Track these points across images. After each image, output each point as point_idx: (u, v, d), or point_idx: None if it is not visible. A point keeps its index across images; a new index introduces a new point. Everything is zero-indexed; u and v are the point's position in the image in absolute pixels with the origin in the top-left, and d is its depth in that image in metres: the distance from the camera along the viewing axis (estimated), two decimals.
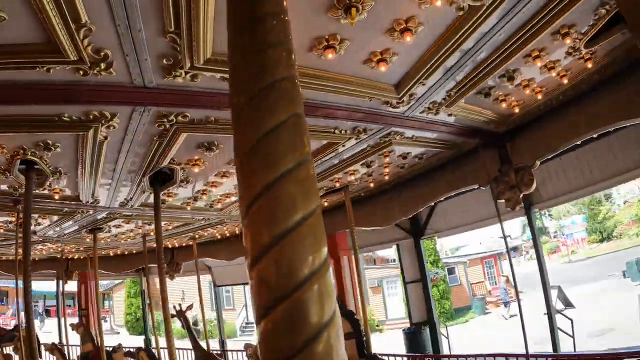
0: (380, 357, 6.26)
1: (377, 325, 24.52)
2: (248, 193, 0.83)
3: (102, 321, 9.86)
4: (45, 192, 5.12)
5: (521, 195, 5.36)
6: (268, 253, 0.79)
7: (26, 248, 4.47)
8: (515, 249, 33.18)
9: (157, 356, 8.83)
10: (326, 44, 2.77)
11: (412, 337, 10.78)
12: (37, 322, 35.62)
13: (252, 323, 28.90)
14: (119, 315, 35.73)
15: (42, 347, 9.43)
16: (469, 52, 3.22)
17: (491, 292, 27.28)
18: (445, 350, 11.34)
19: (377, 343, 6.18)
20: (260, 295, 0.80)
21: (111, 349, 10.24)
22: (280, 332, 0.77)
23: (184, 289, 33.09)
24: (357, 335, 6.17)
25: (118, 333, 33.20)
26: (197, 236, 10.37)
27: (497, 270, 30.12)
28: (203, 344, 10.14)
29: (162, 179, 4.88)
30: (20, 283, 4.94)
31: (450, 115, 4.41)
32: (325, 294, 0.80)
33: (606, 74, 4.19)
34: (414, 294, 10.87)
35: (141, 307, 18.75)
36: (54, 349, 10.05)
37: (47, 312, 41.63)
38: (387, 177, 6.44)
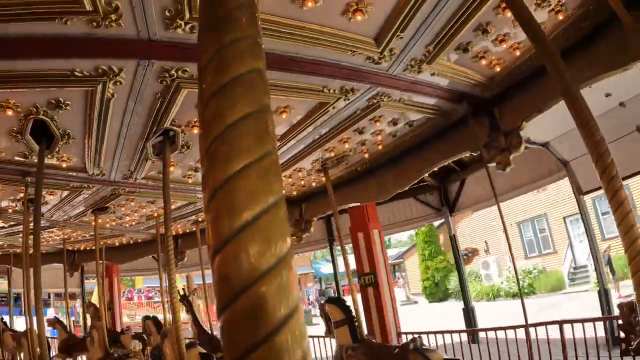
0: (374, 341, 6.59)
1: None
2: (211, 183, 0.85)
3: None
4: (54, 161, 5.45)
5: (511, 157, 5.67)
6: (228, 244, 0.80)
7: (36, 222, 4.76)
8: None
9: (163, 325, 9.15)
10: None
11: None
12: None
13: (583, 267, 22.44)
14: (414, 283, 32.61)
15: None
16: (440, 2, 3.51)
17: None
18: None
19: None
20: (220, 288, 0.81)
21: (120, 330, 10.61)
22: (241, 325, 0.78)
23: (486, 240, 27.56)
24: (350, 321, 6.49)
25: (416, 302, 29.79)
26: (199, 219, 10.67)
27: None
28: None
29: (165, 148, 5.19)
30: None
31: (433, 74, 4.71)
32: (287, 287, 0.81)
33: (581, 29, 4.39)
34: None
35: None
36: (55, 322, 10.43)
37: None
38: (380, 147, 6.74)
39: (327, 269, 43.06)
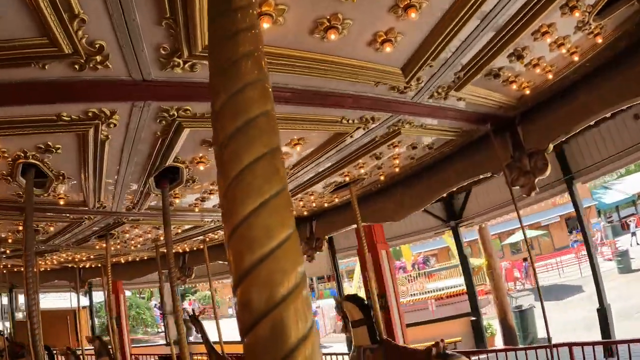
0: (392, 342, 6.21)
1: None
2: (230, 222, 0.91)
3: None
4: (50, 198, 5.06)
5: (536, 181, 5.23)
6: (248, 276, 0.86)
7: (29, 253, 4.43)
8: None
9: None
10: (328, 24, 2.65)
11: None
12: None
13: None
14: None
15: None
16: (476, 30, 3.09)
17: None
18: None
19: None
20: (242, 315, 0.88)
21: None
22: (261, 348, 0.84)
23: None
24: (369, 322, 6.15)
25: None
26: (207, 239, 10.31)
27: None
28: None
29: (168, 180, 4.81)
30: None
31: (459, 99, 4.29)
32: (302, 310, 0.86)
33: (617, 50, 4.05)
34: None
35: None
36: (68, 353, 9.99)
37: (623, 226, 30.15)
38: (397, 169, 6.32)
39: (610, 197, 31.74)
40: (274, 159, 0.96)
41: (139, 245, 9.98)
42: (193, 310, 11.92)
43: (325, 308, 24.90)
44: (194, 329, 10.78)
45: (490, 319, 14.16)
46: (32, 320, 4.46)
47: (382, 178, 6.69)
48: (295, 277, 0.89)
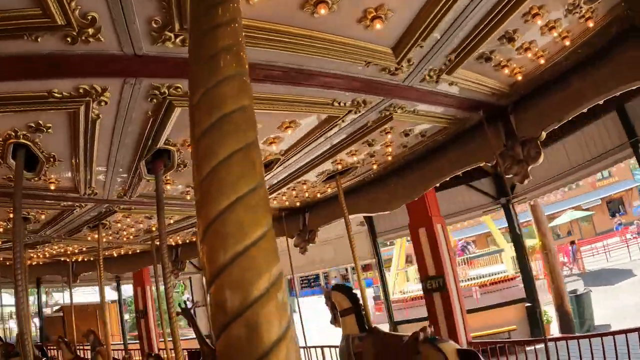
0: (381, 330, 6.24)
1: None
2: (204, 218, 0.89)
3: None
4: (41, 182, 5.03)
5: (529, 169, 5.26)
6: (221, 275, 0.84)
7: (18, 241, 4.39)
8: None
9: None
10: None
11: None
12: None
13: None
14: None
15: None
16: (467, 8, 3.11)
17: None
18: None
19: None
20: (215, 315, 0.86)
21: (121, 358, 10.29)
22: (235, 349, 0.82)
23: None
24: (357, 310, 6.19)
25: None
26: None
27: None
28: None
29: (162, 163, 4.78)
30: None
31: (451, 84, 4.31)
32: (277, 311, 0.84)
33: (608, 36, 4.07)
34: None
35: None
36: (59, 342, 9.97)
37: None
38: (390, 158, 6.34)
39: None
40: (250, 155, 0.94)
41: (131, 237, 9.94)
42: (185, 302, 11.86)
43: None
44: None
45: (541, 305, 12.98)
46: (20, 316, 4.40)
47: (375, 167, 6.71)
48: (270, 277, 0.86)
